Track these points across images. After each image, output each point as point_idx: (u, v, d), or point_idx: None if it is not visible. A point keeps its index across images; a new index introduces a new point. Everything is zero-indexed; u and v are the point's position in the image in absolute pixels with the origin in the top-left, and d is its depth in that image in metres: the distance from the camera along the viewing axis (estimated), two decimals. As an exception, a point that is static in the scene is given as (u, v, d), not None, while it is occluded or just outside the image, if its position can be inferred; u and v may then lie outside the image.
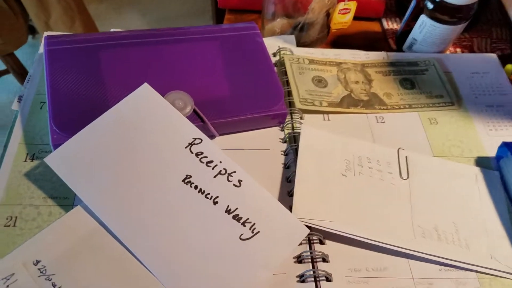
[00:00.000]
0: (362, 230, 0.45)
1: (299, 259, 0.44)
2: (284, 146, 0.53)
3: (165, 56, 0.53)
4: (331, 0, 0.63)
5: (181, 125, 0.47)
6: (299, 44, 0.66)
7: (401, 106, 0.58)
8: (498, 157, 0.53)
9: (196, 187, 0.45)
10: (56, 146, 0.44)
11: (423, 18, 0.62)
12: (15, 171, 0.47)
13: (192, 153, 0.46)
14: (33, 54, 0.54)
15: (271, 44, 0.63)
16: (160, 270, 0.41)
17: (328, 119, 0.56)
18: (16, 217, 0.44)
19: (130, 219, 0.42)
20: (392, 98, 0.59)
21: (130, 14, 2.04)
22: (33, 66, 0.56)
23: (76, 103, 0.48)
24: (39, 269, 0.39)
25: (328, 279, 0.43)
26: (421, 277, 0.44)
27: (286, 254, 0.43)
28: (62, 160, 0.43)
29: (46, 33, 0.54)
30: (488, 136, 0.56)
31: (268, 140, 0.53)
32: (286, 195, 0.48)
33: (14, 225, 0.43)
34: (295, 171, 0.48)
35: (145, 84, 0.48)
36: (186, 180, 0.45)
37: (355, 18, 0.72)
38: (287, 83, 0.58)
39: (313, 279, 0.42)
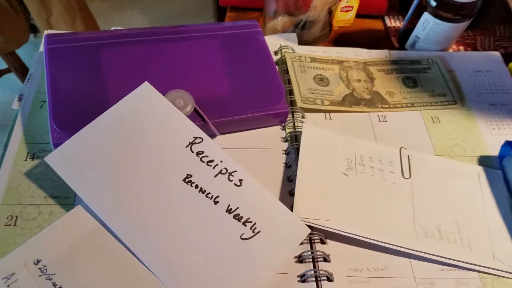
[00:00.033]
0: (363, 230, 0.45)
1: (300, 259, 0.44)
2: (285, 145, 0.52)
3: (165, 54, 0.53)
4: (333, -3, 0.62)
5: (181, 124, 0.47)
6: (301, 42, 0.66)
7: (404, 105, 0.58)
8: (501, 156, 0.53)
9: (196, 186, 0.44)
10: (56, 145, 0.44)
11: (426, 15, 0.62)
12: (16, 170, 0.47)
13: (192, 152, 0.46)
14: (34, 52, 0.54)
15: (273, 42, 0.63)
16: (160, 269, 0.41)
17: (330, 118, 0.56)
18: (16, 216, 0.44)
19: (130, 219, 0.42)
20: (394, 96, 0.59)
21: (132, 12, 2.03)
22: (33, 65, 0.56)
23: (77, 102, 0.47)
24: (39, 268, 0.39)
25: (330, 279, 0.42)
26: (422, 277, 0.44)
27: (287, 253, 0.43)
28: (63, 159, 0.43)
29: (46, 32, 0.54)
30: (491, 135, 0.56)
31: (269, 139, 0.53)
32: (287, 195, 0.48)
33: (14, 225, 0.43)
34: (296, 171, 0.48)
35: (146, 83, 0.48)
36: (187, 180, 0.45)
37: (358, 15, 0.72)
38: (289, 81, 0.57)
39: (314, 279, 0.42)
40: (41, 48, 0.55)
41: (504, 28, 0.73)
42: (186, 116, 0.48)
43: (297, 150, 0.50)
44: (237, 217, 0.43)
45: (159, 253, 0.41)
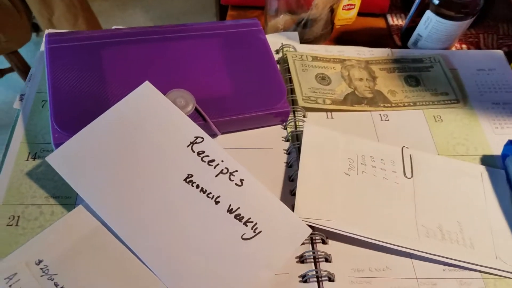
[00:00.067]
0: (365, 230, 0.45)
1: (302, 259, 0.44)
2: (287, 145, 0.52)
3: (166, 53, 0.53)
4: (335, -4, 0.62)
5: (182, 123, 0.47)
6: (303, 40, 0.65)
7: (406, 104, 0.58)
8: (504, 156, 0.52)
9: (197, 186, 0.44)
10: (57, 145, 0.44)
11: (428, 14, 0.61)
12: (17, 170, 0.47)
13: (193, 152, 0.46)
14: (37, 51, 0.54)
15: (274, 41, 0.63)
16: (161, 269, 0.41)
17: (332, 117, 0.56)
18: (18, 216, 0.44)
19: (131, 218, 0.42)
20: (396, 95, 0.58)
21: (134, 11, 2.03)
22: (34, 64, 0.56)
23: (78, 101, 0.47)
24: (41, 268, 0.39)
25: (331, 279, 0.42)
26: (424, 277, 0.43)
27: (288, 254, 0.43)
28: (64, 159, 0.43)
29: (47, 31, 0.54)
30: (493, 134, 0.55)
31: (270, 138, 0.53)
32: (289, 194, 0.48)
33: (16, 225, 0.43)
34: (297, 170, 0.48)
35: (146, 82, 0.48)
36: (188, 180, 0.44)
37: (360, 14, 0.72)
38: (290, 80, 0.57)
39: (315, 279, 0.42)
40: (42, 47, 0.55)
41: (508, 26, 0.73)
42: (187, 115, 0.48)
43: (299, 150, 0.50)
44: (238, 217, 0.43)
45: (160, 253, 0.41)
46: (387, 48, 0.65)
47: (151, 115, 0.47)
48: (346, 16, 0.70)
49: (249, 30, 0.57)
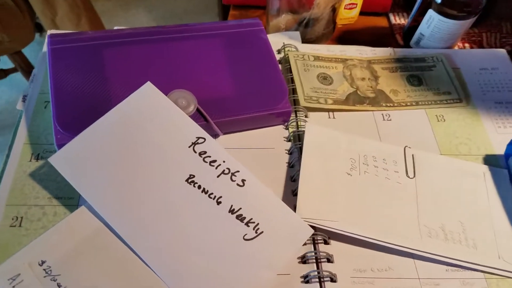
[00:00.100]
0: (367, 230, 0.45)
1: (304, 260, 0.44)
2: (289, 145, 0.52)
3: (168, 54, 0.53)
4: (336, -5, 0.62)
5: (184, 124, 0.47)
6: (305, 40, 0.65)
7: (408, 103, 0.57)
8: (507, 155, 0.52)
9: (199, 187, 0.44)
10: (60, 146, 0.44)
11: (430, 13, 0.61)
12: (20, 171, 0.47)
13: (195, 152, 0.46)
14: (40, 51, 0.54)
15: (276, 40, 0.63)
16: (163, 270, 0.41)
17: (333, 117, 0.56)
18: (21, 217, 0.44)
19: (133, 219, 0.42)
20: (398, 95, 0.58)
21: (137, 10, 2.04)
22: (36, 65, 0.56)
23: (80, 102, 0.47)
24: (44, 269, 0.39)
25: (333, 280, 0.42)
26: (427, 278, 0.43)
27: (290, 254, 0.43)
28: (66, 160, 0.43)
29: (49, 32, 0.54)
30: (496, 133, 0.55)
31: (272, 138, 0.53)
32: (291, 195, 0.48)
33: (19, 226, 0.43)
34: (299, 170, 0.48)
35: (148, 83, 0.48)
36: (190, 180, 0.45)
37: (362, 13, 0.72)
38: (292, 80, 0.57)
39: (317, 279, 0.42)
40: (44, 48, 0.56)
41: (511, 25, 0.72)
42: (189, 116, 0.48)
43: (300, 150, 0.50)
44: (240, 218, 0.43)
45: (162, 253, 0.41)
46: (389, 48, 0.64)
47: (152, 115, 0.47)
48: (348, 15, 0.70)
49: (250, 30, 0.57)
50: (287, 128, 0.54)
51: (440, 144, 0.54)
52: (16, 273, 0.39)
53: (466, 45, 0.70)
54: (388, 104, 0.57)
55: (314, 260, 0.43)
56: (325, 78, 0.58)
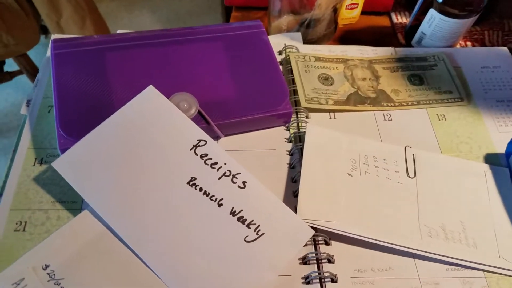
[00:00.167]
0: (367, 230, 0.45)
1: (305, 261, 0.44)
2: (290, 146, 0.52)
3: (169, 57, 0.53)
4: (337, -5, 0.62)
5: (186, 127, 0.47)
6: (306, 41, 0.66)
7: (409, 103, 0.58)
8: (508, 154, 0.52)
9: (201, 189, 0.45)
10: (63, 150, 0.45)
11: (432, 12, 0.61)
12: (24, 176, 0.47)
13: (196, 155, 0.46)
14: (45, 54, 0.55)
15: (277, 41, 0.63)
16: (166, 273, 0.41)
17: (334, 118, 0.56)
18: (25, 221, 0.44)
19: (135, 222, 0.43)
20: (400, 94, 0.58)
21: (141, 11, 2.04)
22: (40, 70, 0.57)
23: (83, 107, 0.48)
24: (48, 273, 0.40)
25: (334, 280, 0.43)
26: (427, 277, 0.44)
27: (291, 255, 0.43)
28: (69, 165, 0.44)
29: (53, 37, 0.55)
30: (497, 132, 0.55)
31: (273, 140, 0.53)
32: (291, 196, 0.48)
33: (23, 230, 0.44)
34: (300, 171, 0.48)
35: (150, 87, 0.48)
36: (191, 183, 0.45)
37: (364, 12, 0.72)
38: (293, 81, 0.57)
39: (318, 280, 0.42)
40: (48, 53, 0.56)
41: (513, 22, 0.72)
42: (190, 118, 0.48)
43: (301, 151, 0.50)
44: (241, 220, 0.44)
45: (165, 256, 0.42)
46: (390, 47, 0.64)
47: (155, 118, 0.47)
48: (350, 15, 0.70)
49: (252, 32, 0.58)
50: (288, 129, 0.54)
51: (441, 144, 0.54)
52: (20, 277, 0.39)
53: (468, 43, 0.70)
54: (389, 104, 0.57)
55: (315, 261, 0.44)
56: (326, 79, 0.58)
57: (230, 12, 0.79)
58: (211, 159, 0.46)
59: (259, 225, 0.44)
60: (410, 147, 0.52)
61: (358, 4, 0.69)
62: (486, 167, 0.51)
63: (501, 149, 0.53)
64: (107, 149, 0.45)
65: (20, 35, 1.24)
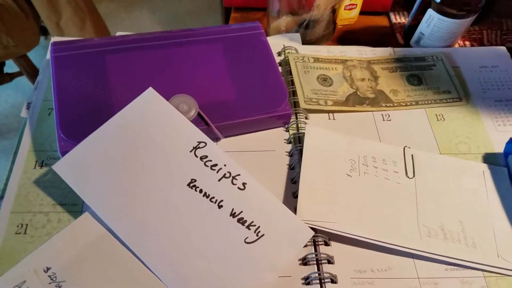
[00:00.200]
0: (367, 231, 0.45)
1: (304, 261, 0.44)
2: (289, 147, 0.53)
3: (169, 59, 0.53)
4: (336, -4, 0.62)
5: (185, 129, 0.48)
6: (305, 41, 0.66)
7: (408, 103, 0.58)
8: (506, 153, 0.52)
9: (201, 191, 0.45)
10: (63, 153, 0.45)
11: (430, 12, 0.61)
12: (25, 178, 0.48)
13: (196, 156, 0.47)
14: (45, 55, 0.55)
15: (276, 42, 0.63)
16: (166, 274, 0.42)
17: (333, 118, 0.56)
18: (26, 224, 0.45)
19: (136, 224, 0.43)
20: (398, 94, 0.59)
21: (140, 12, 2.05)
22: (40, 72, 0.57)
23: (83, 109, 0.48)
24: (49, 276, 0.40)
25: (334, 281, 0.43)
26: (426, 277, 0.44)
27: (291, 256, 0.43)
28: (70, 167, 0.44)
29: (52, 39, 0.55)
30: (496, 131, 0.55)
31: (272, 141, 0.53)
32: (291, 197, 0.48)
33: (25, 233, 0.44)
34: (299, 172, 0.48)
35: (150, 89, 0.49)
36: (191, 184, 0.45)
37: (362, 12, 0.72)
38: (292, 82, 0.58)
39: (318, 281, 0.43)
40: (48, 55, 0.56)
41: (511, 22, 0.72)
42: (190, 120, 0.48)
43: (301, 152, 0.50)
44: (241, 221, 0.44)
45: (165, 258, 0.42)
46: (389, 48, 0.65)
47: (154, 121, 0.47)
48: (348, 16, 0.70)
49: (250, 34, 0.58)
50: (287, 130, 0.54)
51: (440, 144, 0.54)
52: (22, 280, 0.40)
53: (467, 42, 0.70)
54: (387, 104, 0.57)
55: (315, 262, 0.44)
56: (325, 80, 0.59)
57: (230, 12, 0.79)
58: (211, 160, 0.46)
59: (259, 227, 0.44)
60: (409, 147, 0.52)
61: (356, 4, 0.69)
62: (484, 166, 0.51)
63: (500, 148, 0.53)
64: (107, 152, 0.45)
65: (19, 37, 1.24)
